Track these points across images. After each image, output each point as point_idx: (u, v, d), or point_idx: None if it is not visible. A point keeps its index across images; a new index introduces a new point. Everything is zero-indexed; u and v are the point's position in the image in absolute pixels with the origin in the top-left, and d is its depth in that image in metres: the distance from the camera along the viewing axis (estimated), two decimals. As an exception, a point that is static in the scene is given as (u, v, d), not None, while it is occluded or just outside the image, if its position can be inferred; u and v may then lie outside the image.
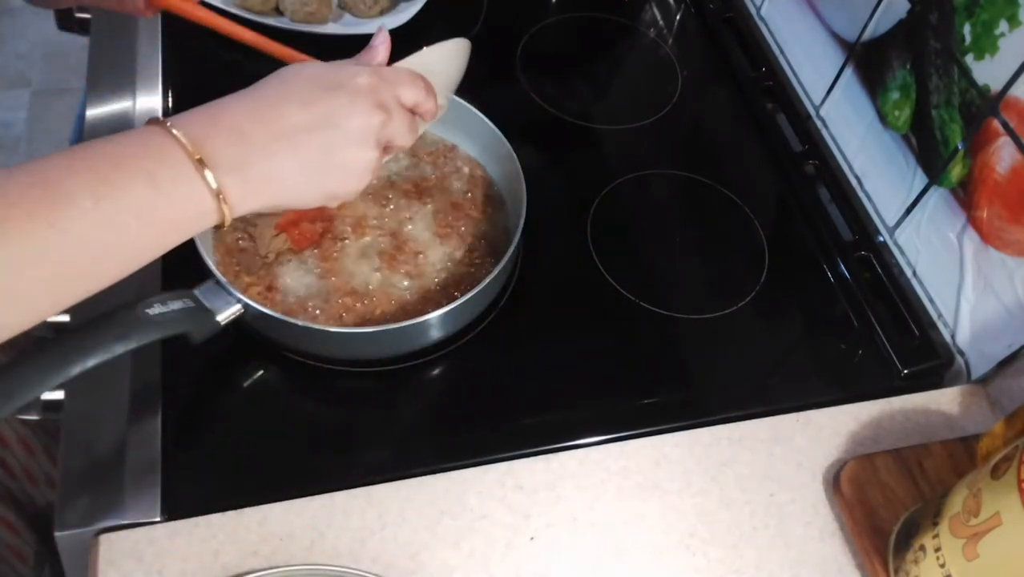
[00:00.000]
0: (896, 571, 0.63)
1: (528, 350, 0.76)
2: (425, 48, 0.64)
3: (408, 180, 0.79)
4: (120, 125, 0.84)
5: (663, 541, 0.66)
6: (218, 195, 0.50)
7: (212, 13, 0.73)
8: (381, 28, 0.63)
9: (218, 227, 0.52)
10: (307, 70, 0.56)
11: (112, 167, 0.47)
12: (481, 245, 0.77)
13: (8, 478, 0.86)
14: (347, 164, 0.56)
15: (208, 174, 0.49)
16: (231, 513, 0.62)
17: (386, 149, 0.59)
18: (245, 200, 0.52)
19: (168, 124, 0.49)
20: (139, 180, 0.47)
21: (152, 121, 0.50)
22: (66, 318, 0.71)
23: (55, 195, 0.45)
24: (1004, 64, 0.67)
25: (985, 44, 0.68)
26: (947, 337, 0.77)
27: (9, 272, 0.43)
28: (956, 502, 0.57)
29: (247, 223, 0.74)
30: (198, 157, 0.49)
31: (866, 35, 0.83)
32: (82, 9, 0.95)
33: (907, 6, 0.76)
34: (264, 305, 0.66)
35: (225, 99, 0.53)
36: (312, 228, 0.74)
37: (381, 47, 0.62)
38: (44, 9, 0.78)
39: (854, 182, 0.87)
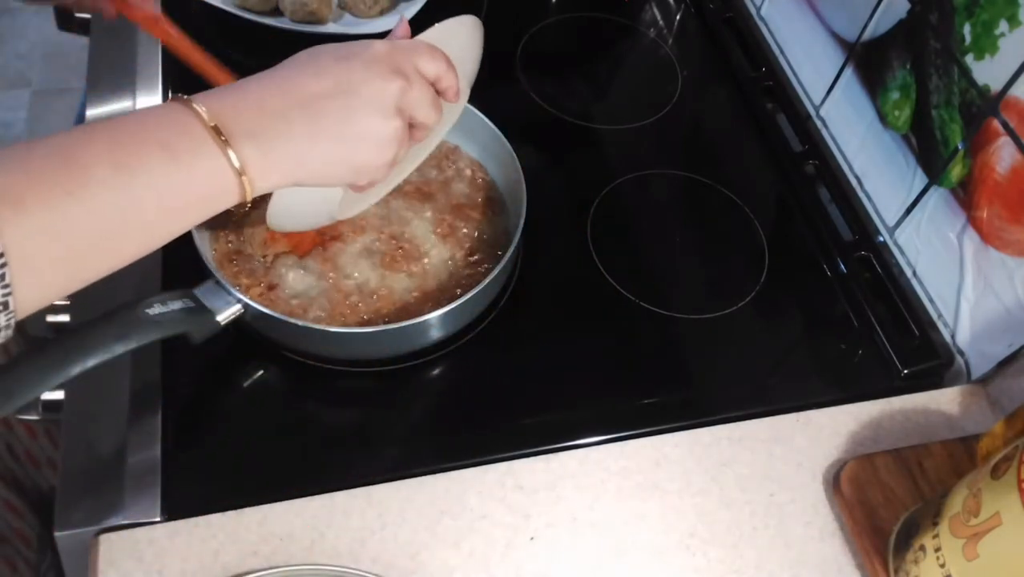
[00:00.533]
0: (896, 571, 0.63)
1: (528, 350, 0.76)
2: (437, 24, 0.63)
3: (410, 183, 0.79)
4: (120, 125, 0.83)
5: (663, 541, 0.66)
6: (238, 168, 0.49)
7: (165, 26, 0.74)
8: (402, 17, 0.63)
9: (239, 206, 0.51)
10: (323, 47, 0.56)
11: (131, 139, 0.47)
12: (481, 245, 0.77)
13: (13, 461, 0.87)
14: (368, 133, 0.54)
15: (230, 153, 0.49)
16: (231, 513, 0.62)
17: (412, 128, 0.58)
18: (267, 174, 0.51)
19: (187, 98, 0.49)
20: (158, 152, 0.47)
21: (173, 98, 0.50)
22: (66, 318, 0.72)
23: (74, 166, 0.45)
24: (1004, 64, 0.67)
25: (985, 44, 0.68)
26: (947, 337, 0.77)
27: (30, 242, 0.43)
28: (956, 502, 0.57)
29: (244, 225, 0.74)
30: (213, 124, 0.48)
31: (866, 35, 0.83)
32: (82, 9, 0.95)
33: (907, 6, 0.76)
34: (264, 305, 0.66)
35: (244, 79, 0.53)
36: (318, 231, 0.74)
37: (399, 30, 0.62)
38: (41, 8, 0.79)
39: (854, 182, 0.87)
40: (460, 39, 0.65)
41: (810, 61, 0.92)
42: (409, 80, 0.55)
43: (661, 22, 1.07)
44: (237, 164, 0.49)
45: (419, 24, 0.63)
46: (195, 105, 0.49)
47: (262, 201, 0.70)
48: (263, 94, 0.52)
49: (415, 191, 0.78)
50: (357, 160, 0.55)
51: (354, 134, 0.54)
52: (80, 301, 0.71)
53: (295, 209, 0.65)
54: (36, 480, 0.90)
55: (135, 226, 0.47)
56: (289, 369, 0.71)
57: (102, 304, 0.57)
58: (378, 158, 0.56)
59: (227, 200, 0.50)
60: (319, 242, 0.74)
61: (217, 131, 0.48)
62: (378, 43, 0.56)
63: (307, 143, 0.52)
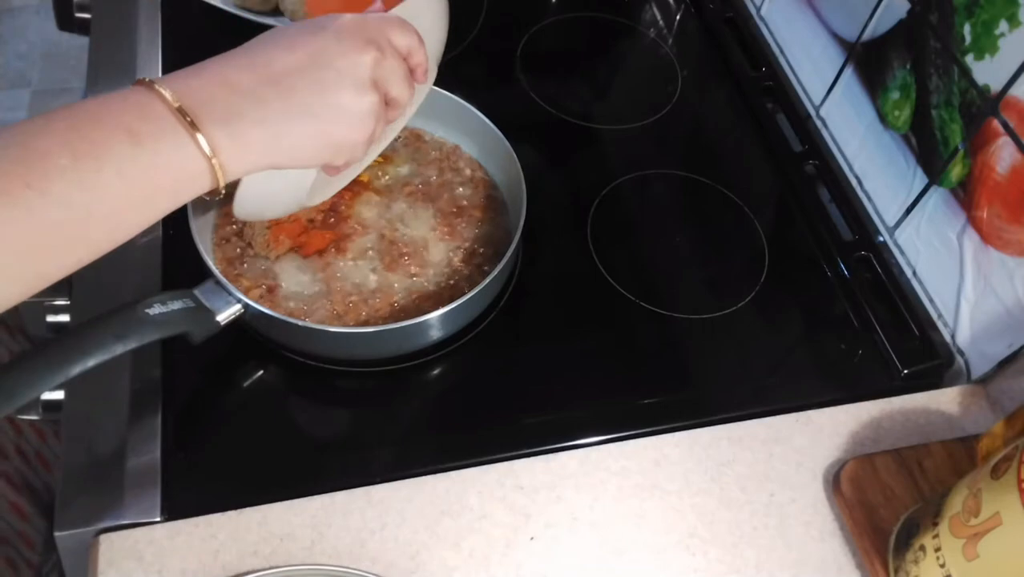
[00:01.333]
0: (896, 571, 0.63)
1: (528, 350, 0.76)
2: (403, 3, 0.61)
3: (411, 183, 0.79)
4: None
5: (663, 541, 0.66)
6: (208, 153, 0.47)
7: None
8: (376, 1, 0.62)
9: (212, 193, 0.49)
10: (290, 25, 0.54)
11: (92, 124, 0.45)
12: (482, 245, 0.77)
13: (23, 464, 0.87)
14: (344, 107, 0.52)
15: (199, 137, 0.46)
16: (231, 513, 0.62)
17: (386, 105, 0.56)
18: (240, 157, 0.49)
19: (151, 80, 0.47)
20: (120, 137, 0.45)
21: (137, 81, 0.48)
22: (66, 318, 0.72)
23: (31, 154, 0.43)
24: (1004, 64, 0.67)
25: (985, 44, 0.68)
26: (947, 337, 0.77)
27: None
28: (956, 502, 0.57)
29: (245, 225, 0.74)
30: (178, 107, 0.46)
31: (866, 35, 0.83)
32: (82, 9, 0.96)
33: (907, 6, 0.76)
34: (264, 305, 0.66)
35: (211, 59, 0.51)
36: (321, 234, 0.74)
37: (373, 7, 0.61)
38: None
39: (854, 182, 0.87)
40: (427, 18, 0.64)
41: (810, 61, 0.92)
42: (382, 51, 0.54)
43: (661, 22, 1.07)
44: (207, 148, 0.47)
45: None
46: (159, 87, 0.47)
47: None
48: (231, 72, 0.49)
49: (416, 192, 0.78)
50: (334, 137, 0.53)
51: (329, 109, 0.51)
52: (80, 301, 0.71)
53: (262, 196, 0.64)
54: (48, 481, 0.90)
55: (101, 216, 0.45)
56: (289, 369, 0.71)
57: (102, 304, 0.58)
58: (356, 134, 0.54)
59: (198, 187, 0.48)
60: (326, 245, 0.73)
61: (183, 113, 0.46)
62: (348, 15, 0.54)
63: (281, 122, 0.50)
